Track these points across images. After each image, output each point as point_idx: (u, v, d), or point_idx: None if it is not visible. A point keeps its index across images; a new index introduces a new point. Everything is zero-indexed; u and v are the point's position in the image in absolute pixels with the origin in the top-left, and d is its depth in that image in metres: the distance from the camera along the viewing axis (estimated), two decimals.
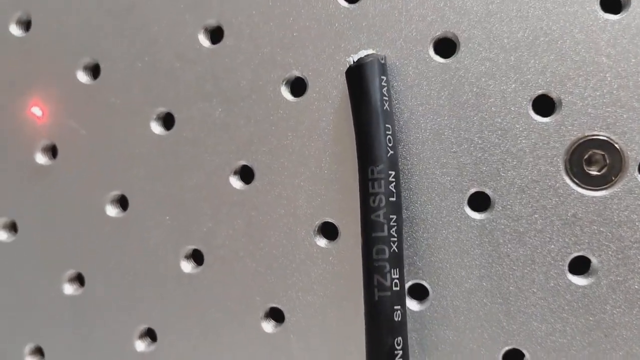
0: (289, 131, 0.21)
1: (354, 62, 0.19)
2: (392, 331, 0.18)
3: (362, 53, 0.19)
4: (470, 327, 0.20)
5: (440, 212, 0.20)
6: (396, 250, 0.18)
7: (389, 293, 0.18)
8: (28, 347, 0.25)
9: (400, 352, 0.18)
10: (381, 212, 0.18)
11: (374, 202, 0.18)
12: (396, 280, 0.18)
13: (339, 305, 0.21)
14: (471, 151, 0.20)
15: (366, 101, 0.19)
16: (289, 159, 0.21)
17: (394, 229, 0.19)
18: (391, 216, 0.18)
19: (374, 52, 0.20)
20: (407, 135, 0.20)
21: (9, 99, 0.24)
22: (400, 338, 0.18)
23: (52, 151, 0.24)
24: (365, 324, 0.19)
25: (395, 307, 0.18)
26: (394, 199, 0.19)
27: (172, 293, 0.23)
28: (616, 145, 0.19)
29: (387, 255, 0.18)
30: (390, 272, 0.18)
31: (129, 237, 0.23)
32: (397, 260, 0.18)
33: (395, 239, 0.18)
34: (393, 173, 0.19)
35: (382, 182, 0.18)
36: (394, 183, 0.19)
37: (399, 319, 0.18)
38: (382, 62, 0.19)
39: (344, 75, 0.20)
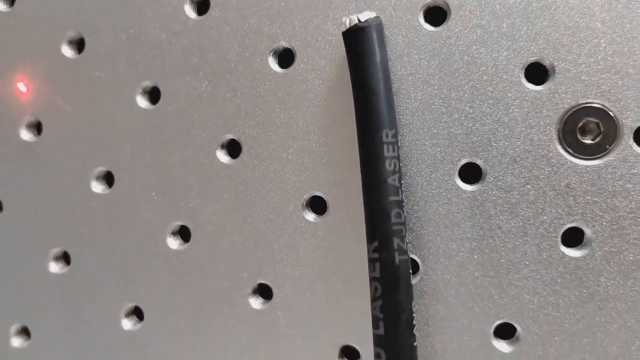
0: (277, 104, 0.21)
1: (359, 21, 0.18)
2: (410, 295, 0.18)
3: (368, 14, 0.18)
4: (461, 301, 0.20)
5: (431, 184, 0.20)
6: (406, 215, 0.18)
7: (406, 256, 0.18)
8: (14, 328, 0.25)
9: (415, 315, 0.18)
10: (397, 176, 0.18)
11: (390, 165, 0.18)
12: (409, 245, 0.18)
13: (327, 280, 0.21)
14: (462, 121, 0.19)
15: (376, 63, 0.18)
16: (277, 132, 0.21)
17: (404, 194, 0.18)
18: (402, 181, 0.18)
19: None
20: (397, 106, 0.20)
21: None
22: (414, 302, 0.18)
23: (37, 128, 0.24)
24: (383, 290, 0.18)
25: (410, 272, 0.18)
26: (401, 163, 0.18)
27: (159, 270, 0.23)
28: (610, 113, 0.18)
29: (402, 219, 0.18)
30: (405, 235, 0.18)
31: (115, 213, 0.23)
32: (406, 225, 0.18)
33: (404, 204, 0.18)
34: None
35: (396, 145, 0.18)
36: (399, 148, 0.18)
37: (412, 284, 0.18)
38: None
39: (341, 37, 0.19)
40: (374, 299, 0.18)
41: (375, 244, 0.18)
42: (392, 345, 0.18)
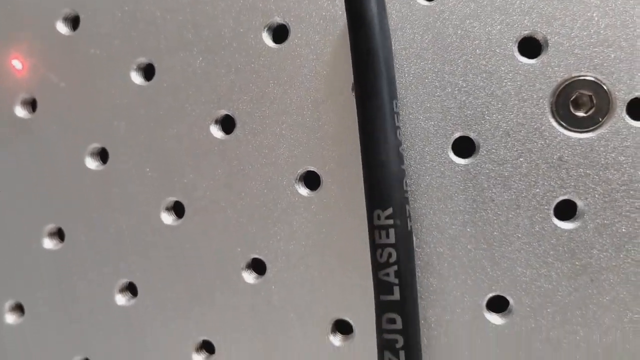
0: (271, 79, 0.21)
1: None
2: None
3: None
4: (454, 274, 0.20)
5: (424, 158, 0.20)
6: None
7: (411, 224, 0.18)
8: (8, 304, 0.25)
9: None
10: (402, 146, 0.18)
11: (398, 135, 0.18)
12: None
13: (321, 254, 0.21)
14: (455, 95, 0.19)
15: (376, 24, 0.18)
16: (271, 107, 0.21)
17: (404, 165, 0.18)
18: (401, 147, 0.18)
19: None
20: None
21: None
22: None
23: (32, 105, 0.24)
24: (399, 256, 0.18)
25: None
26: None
27: (153, 246, 0.23)
28: (604, 86, 0.18)
29: (407, 188, 0.18)
30: (409, 204, 0.18)
31: (110, 190, 0.23)
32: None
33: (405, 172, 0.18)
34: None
35: (400, 114, 0.18)
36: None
37: None
38: None
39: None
40: (386, 266, 0.18)
41: (390, 210, 0.18)
42: (407, 310, 0.18)
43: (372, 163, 0.18)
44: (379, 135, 0.18)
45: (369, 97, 0.18)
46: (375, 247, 0.18)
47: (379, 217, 0.18)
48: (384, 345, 0.18)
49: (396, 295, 0.18)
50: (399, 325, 0.18)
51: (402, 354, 0.18)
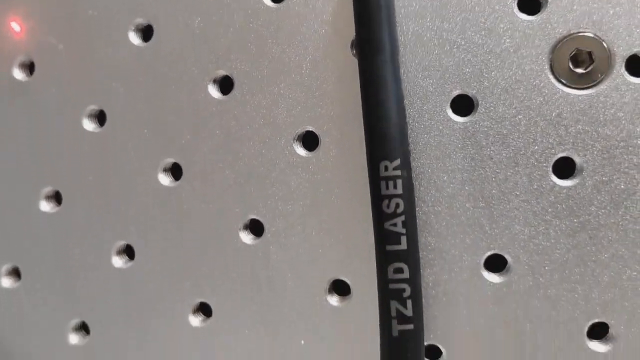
0: (269, 38, 0.21)
1: None
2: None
3: None
4: (452, 233, 0.20)
5: (422, 116, 0.20)
6: None
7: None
8: (4, 268, 0.25)
9: None
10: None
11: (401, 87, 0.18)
12: None
13: (319, 214, 0.21)
14: (454, 53, 0.19)
15: None
16: (269, 66, 0.21)
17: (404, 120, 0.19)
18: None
19: None
20: None
21: None
22: None
23: (30, 68, 0.24)
24: (405, 206, 0.18)
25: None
26: None
27: (150, 208, 0.23)
28: (603, 43, 0.18)
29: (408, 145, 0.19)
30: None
31: (107, 152, 0.23)
32: None
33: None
34: None
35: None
36: None
37: None
38: None
39: None
40: (393, 216, 0.18)
41: (397, 162, 0.18)
42: (415, 259, 0.18)
43: (379, 114, 0.18)
44: (385, 87, 0.18)
45: (374, 49, 0.18)
46: (381, 198, 0.18)
47: (386, 169, 0.18)
48: (390, 295, 0.18)
49: (403, 245, 0.18)
50: (406, 274, 0.18)
51: (409, 302, 0.18)
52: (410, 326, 0.18)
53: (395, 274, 0.18)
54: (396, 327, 0.18)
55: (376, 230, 0.18)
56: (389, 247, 0.18)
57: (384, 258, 0.18)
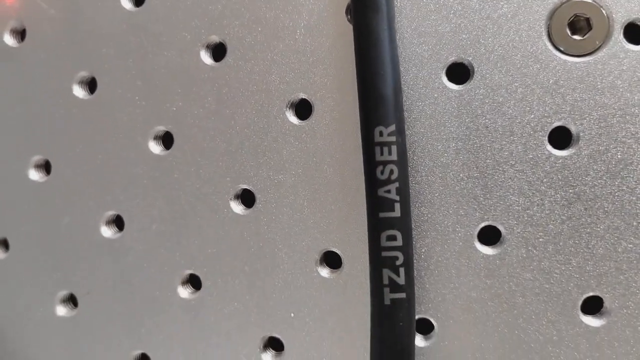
0: (263, 3, 0.20)
1: None
2: None
3: None
4: (446, 203, 0.19)
5: (417, 84, 0.19)
6: None
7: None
8: None
9: None
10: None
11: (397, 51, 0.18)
12: None
13: (309, 184, 0.20)
14: (450, 18, 0.19)
15: None
16: (262, 32, 0.20)
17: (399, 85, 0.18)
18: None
19: None
20: None
21: None
22: None
23: (21, 34, 0.23)
24: (399, 173, 0.18)
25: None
26: None
27: (140, 177, 0.22)
28: (602, 10, 0.18)
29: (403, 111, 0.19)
30: None
31: (98, 119, 0.22)
32: None
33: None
34: None
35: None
36: None
37: None
38: None
39: None
40: (387, 182, 0.18)
41: (392, 127, 0.18)
42: (408, 226, 0.18)
43: (374, 79, 0.18)
44: (380, 51, 0.18)
45: (371, 9, 0.18)
46: (375, 164, 0.18)
47: (380, 134, 0.18)
48: (383, 263, 0.18)
49: (397, 212, 0.18)
50: (399, 242, 0.18)
51: (401, 270, 0.18)
52: (403, 295, 0.18)
53: (388, 242, 0.18)
54: (388, 296, 0.18)
55: (369, 196, 0.18)
56: (382, 214, 0.18)
57: (377, 225, 0.18)
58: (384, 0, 0.18)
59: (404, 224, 0.18)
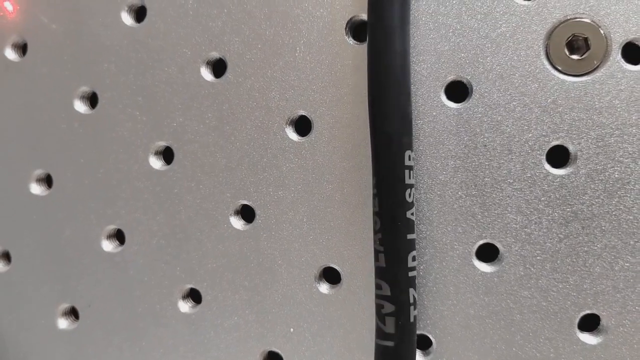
0: (263, 20, 0.20)
1: None
2: None
3: None
4: (444, 221, 0.20)
5: (415, 101, 0.19)
6: None
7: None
8: None
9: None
10: None
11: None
12: None
13: (309, 200, 0.21)
14: (449, 37, 0.19)
15: None
16: (262, 49, 0.21)
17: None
18: None
19: None
20: None
21: None
22: None
23: (22, 48, 0.23)
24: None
25: None
26: None
27: (141, 191, 0.22)
28: (600, 30, 0.18)
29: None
30: None
31: (99, 133, 0.23)
32: None
33: None
34: None
35: None
36: None
37: None
38: None
39: None
40: (412, 205, 0.18)
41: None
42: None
43: (405, 101, 0.18)
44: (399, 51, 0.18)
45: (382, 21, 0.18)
46: (405, 187, 0.18)
47: (409, 158, 0.18)
48: (409, 283, 0.18)
49: (417, 234, 0.19)
50: (418, 261, 0.19)
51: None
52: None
53: (413, 262, 0.18)
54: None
55: (398, 220, 0.18)
56: (410, 236, 0.18)
57: (404, 246, 0.18)
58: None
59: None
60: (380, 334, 0.18)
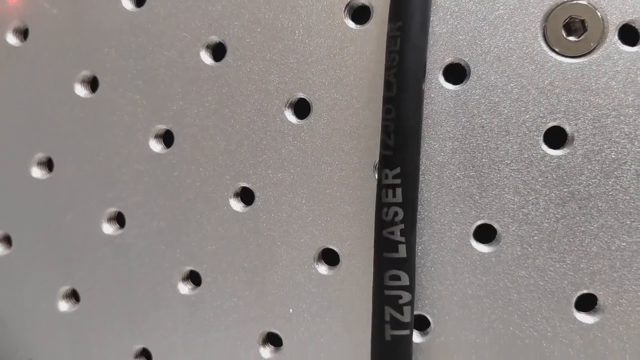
0: (263, 4, 0.21)
1: None
2: None
3: None
4: (442, 202, 0.20)
5: None
6: None
7: None
8: None
9: None
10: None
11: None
12: None
13: (308, 182, 0.21)
14: (447, 19, 0.19)
15: None
16: (261, 32, 0.21)
17: None
18: None
19: None
20: None
21: None
22: None
23: (24, 34, 0.24)
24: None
25: None
26: None
27: (141, 175, 0.22)
28: (597, 12, 0.18)
29: None
30: None
31: (99, 117, 0.23)
32: None
33: None
34: None
35: None
36: None
37: None
38: None
39: None
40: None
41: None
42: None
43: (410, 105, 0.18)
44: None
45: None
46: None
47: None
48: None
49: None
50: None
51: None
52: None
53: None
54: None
55: (415, 211, 0.18)
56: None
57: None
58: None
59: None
60: (396, 324, 0.18)
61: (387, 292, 0.18)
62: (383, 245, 0.18)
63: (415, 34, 0.18)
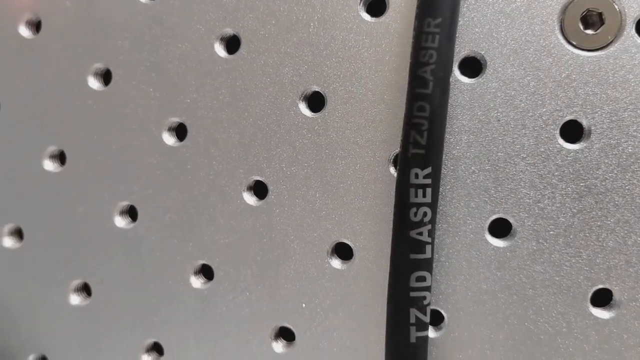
0: None
1: None
2: None
3: None
4: (457, 196, 0.20)
5: None
6: None
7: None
8: (7, 228, 0.25)
9: None
10: None
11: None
12: None
13: (322, 176, 0.21)
14: (463, 12, 0.19)
15: None
16: (276, 25, 0.21)
17: None
18: None
19: None
20: None
21: None
22: None
23: (36, 26, 0.24)
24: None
25: None
26: None
27: (154, 168, 0.22)
28: (614, 4, 0.18)
29: None
30: None
31: (112, 110, 0.23)
32: None
33: None
34: None
35: None
36: None
37: None
38: None
39: None
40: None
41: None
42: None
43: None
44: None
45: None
46: None
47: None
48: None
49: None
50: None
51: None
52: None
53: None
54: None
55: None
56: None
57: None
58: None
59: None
60: (420, 325, 0.18)
61: (413, 294, 0.18)
62: (410, 247, 0.18)
63: (453, 31, 0.18)
